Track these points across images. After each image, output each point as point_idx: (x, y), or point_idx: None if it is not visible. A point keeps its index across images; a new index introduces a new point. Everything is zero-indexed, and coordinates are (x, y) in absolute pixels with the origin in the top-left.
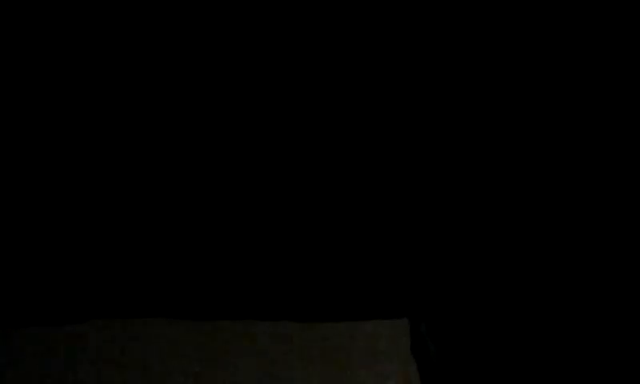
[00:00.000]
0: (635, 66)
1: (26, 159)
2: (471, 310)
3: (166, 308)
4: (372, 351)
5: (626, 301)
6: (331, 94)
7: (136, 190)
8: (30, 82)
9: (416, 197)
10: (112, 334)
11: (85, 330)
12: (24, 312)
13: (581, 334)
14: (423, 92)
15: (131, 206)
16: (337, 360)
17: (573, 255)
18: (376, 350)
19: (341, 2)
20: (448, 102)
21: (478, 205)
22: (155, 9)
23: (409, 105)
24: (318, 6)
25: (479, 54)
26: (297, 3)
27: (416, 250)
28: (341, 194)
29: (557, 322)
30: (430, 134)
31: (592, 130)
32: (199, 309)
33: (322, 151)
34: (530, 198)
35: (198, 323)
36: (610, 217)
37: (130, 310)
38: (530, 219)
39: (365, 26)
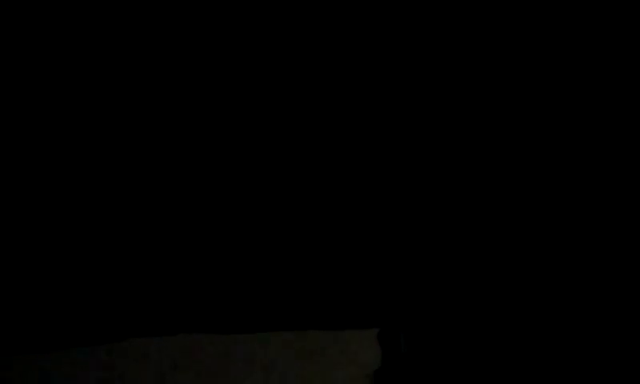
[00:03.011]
0: (635, 66)
1: (55, 178)
2: (446, 320)
3: (166, 321)
4: (345, 358)
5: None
6: (323, 100)
7: (155, 209)
8: (30, 82)
9: (394, 207)
10: (147, 351)
11: (123, 348)
12: (59, 333)
13: (568, 340)
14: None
15: (141, 219)
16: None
17: (560, 260)
18: (349, 356)
19: (341, 3)
20: (431, 108)
21: (459, 213)
22: (155, 9)
23: (391, 113)
24: (318, 6)
25: (479, 54)
26: (297, 3)
27: (392, 262)
28: (320, 203)
29: (542, 331)
30: (411, 143)
31: (592, 130)
32: (218, 322)
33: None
34: (510, 206)
35: (226, 337)
36: (599, 218)
37: (162, 328)
38: (510, 226)
39: (364, 26)
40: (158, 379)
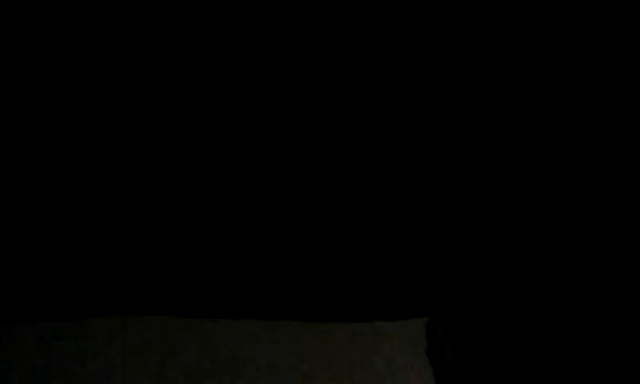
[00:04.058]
0: (635, 66)
1: (32, 160)
2: (487, 313)
3: (168, 305)
4: (389, 351)
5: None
6: (341, 93)
7: (143, 193)
8: (30, 81)
9: (436, 198)
10: (115, 330)
11: (91, 325)
12: (30, 308)
13: (598, 337)
14: (440, 93)
15: (139, 207)
16: (356, 360)
17: (585, 257)
18: (394, 350)
19: (341, 3)
20: (460, 102)
21: (496, 208)
22: (155, 9)
23: (422, 103)
24: (318, 6)
25: (479, 54)
26: (297, 3)
27: (433, 252)
28: (359, 194)
29: (573, 326)
30: (446, 131)
31: (592, 130)
32: (202, 306)
33: (332, 150)
34: (543, 200)
35: (201, 321)
36: (617, 216)
37: (131, 307)
38: (546, 222)
39: (364, 26)
40: (157, 367)
